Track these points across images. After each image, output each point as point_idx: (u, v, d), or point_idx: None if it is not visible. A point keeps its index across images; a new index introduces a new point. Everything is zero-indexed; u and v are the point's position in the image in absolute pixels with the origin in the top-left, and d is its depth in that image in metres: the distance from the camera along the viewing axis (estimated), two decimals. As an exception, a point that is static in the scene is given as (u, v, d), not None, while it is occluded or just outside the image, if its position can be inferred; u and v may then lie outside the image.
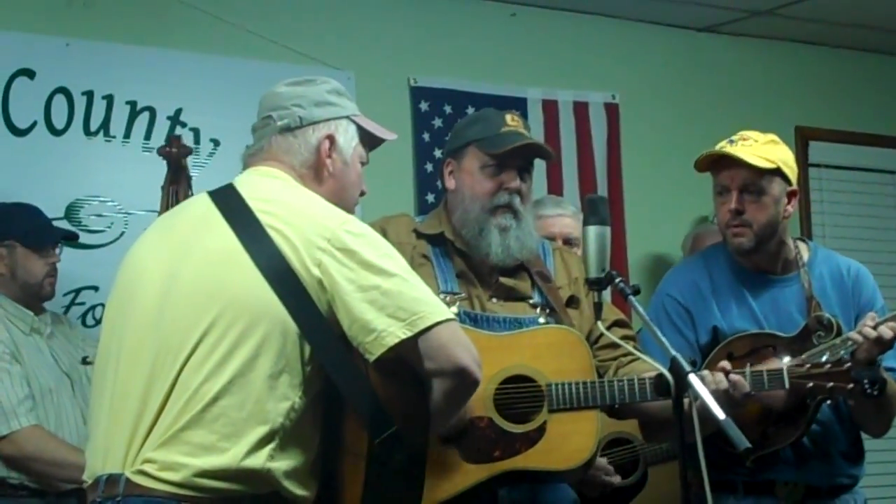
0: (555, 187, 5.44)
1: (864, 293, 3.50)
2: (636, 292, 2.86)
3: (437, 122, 5.27)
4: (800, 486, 3.36)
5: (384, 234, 3.14)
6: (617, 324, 3.23)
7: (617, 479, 3.96)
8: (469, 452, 2.98)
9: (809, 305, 3.41)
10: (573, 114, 5.61)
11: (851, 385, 3.10)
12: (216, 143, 4.83)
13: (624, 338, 3.16)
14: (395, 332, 2.39)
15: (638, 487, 4.07)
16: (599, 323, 2.92)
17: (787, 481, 3.36)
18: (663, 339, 2.70)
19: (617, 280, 2.86)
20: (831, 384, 3.10)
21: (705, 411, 2.56)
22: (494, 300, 3.17)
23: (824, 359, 3.15)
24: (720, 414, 2.54)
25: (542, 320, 3.15)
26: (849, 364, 3.11)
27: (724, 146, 3.39)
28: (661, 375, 2.67)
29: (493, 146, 3.14)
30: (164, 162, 3.79)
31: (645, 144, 5.77)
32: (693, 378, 2.61)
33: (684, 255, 5.34)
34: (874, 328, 3.21)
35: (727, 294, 3.43)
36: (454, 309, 3.06)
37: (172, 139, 3.90)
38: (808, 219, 6.11)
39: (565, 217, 4.25)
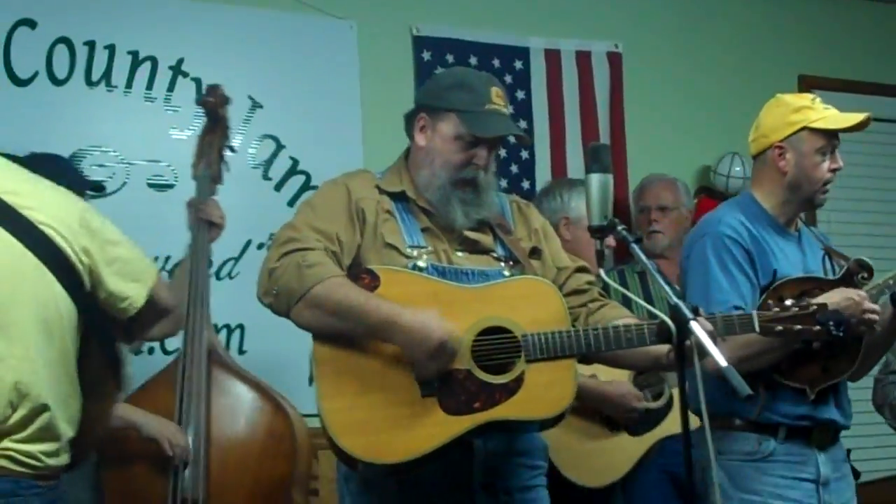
0: (557, 137, 5.43)
1: None
2: (639, 240, 2.87)
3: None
4: (831, 428, 3.47)
5: (348, 190, 3.15)
6: (579, 270, 3.29)
7: (643, 404, 4.04)
8: (449, 404, 2.98)
9: (825, 256, 3.57)
10: (576, 63, 5.59)
11: (818, 328, 3.13)
12: (218, 92, 4.80)
13: (588, 283, 3.25)
14: (141, 293, 2.75)
15: (666, 410, 4.12)
16: (602, 271, 2.92)
17: (824, 421, 3.44)
18: (665, 286, 2.72)
19: (619, 227, 2.87)
20: (799, 327, 3.14)
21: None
22: (460, 254, 3.18)
23: (789, 302, 3.17)
24: (722, 361, 2.56)
25: (507, 273, 3.17)
26: (814, 308, 3.14)
27: (831, 109, 3.54)
28: (662, 322, 2.69)
29: (477, 127, 3.15)
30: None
31: (648, 94, 5.74)
32: (695, 325, 2.62)
33: (632, 207, 5.22)
34: None
35: (769, 242, 3.49)
36: (422, 263, 3.09)
37: (209, 88, 3.87)
38: (812, 169, 6.09)
39: None
